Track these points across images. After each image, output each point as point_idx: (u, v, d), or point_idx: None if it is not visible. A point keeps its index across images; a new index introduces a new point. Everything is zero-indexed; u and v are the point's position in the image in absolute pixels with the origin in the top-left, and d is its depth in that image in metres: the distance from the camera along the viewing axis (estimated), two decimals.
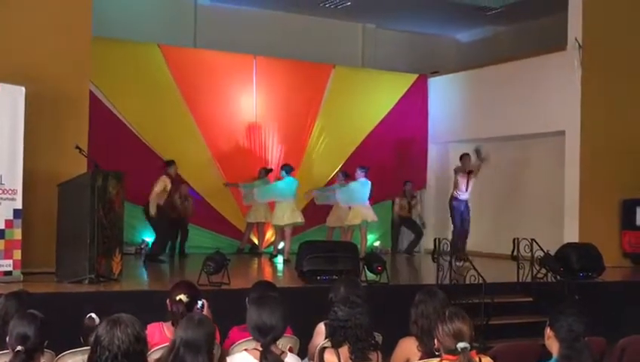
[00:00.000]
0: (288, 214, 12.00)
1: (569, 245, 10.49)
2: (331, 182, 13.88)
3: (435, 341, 3.85)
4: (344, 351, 3.98)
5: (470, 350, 3.72)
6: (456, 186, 12.13)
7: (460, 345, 3.69)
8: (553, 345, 3.91)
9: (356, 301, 4.23)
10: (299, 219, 12.11)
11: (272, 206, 12.55)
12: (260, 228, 13.26)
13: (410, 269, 12.67)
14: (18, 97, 8.21)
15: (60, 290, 7.59)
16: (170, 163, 11.50)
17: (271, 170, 12.97)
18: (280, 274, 10.84)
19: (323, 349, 4.04)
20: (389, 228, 14.85)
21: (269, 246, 13.22)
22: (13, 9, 9.04)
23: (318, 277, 8.50)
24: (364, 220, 12.35)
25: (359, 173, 12.35)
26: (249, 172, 13.16)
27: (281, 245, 12.42)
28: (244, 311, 4.35)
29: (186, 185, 12.41)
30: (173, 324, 4.67)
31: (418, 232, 14.14)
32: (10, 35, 8.94)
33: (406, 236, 14.72)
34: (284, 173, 12.12)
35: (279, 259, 12.04)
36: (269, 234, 13.34)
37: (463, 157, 12.19)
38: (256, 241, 13.39)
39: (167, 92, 12.89)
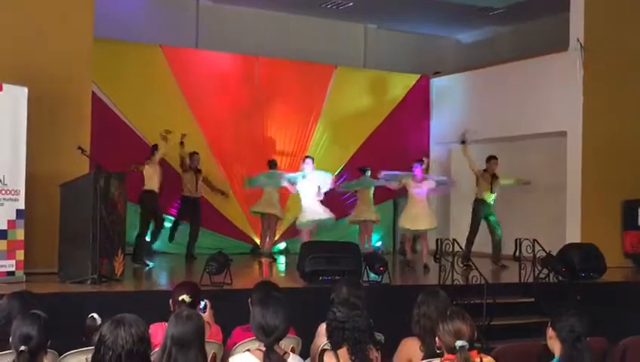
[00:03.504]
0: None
1: (571, 246, 10.48)
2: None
3: (437, 339, 3.87)
4: (343, 352, 3.96)
5: (470, 349, 3.73)
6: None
7: (458, 343, 3.71)
8: (555, 346, 3.93)
9: (355, 302, 4.23)
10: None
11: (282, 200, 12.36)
12: (264, 224, 12.45)
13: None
14: (21, 98, 8.20)
15: (63, 290, 7.58)
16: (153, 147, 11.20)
17: (275, 161, 12.65)
18: (282, 274, 10.84)
19: (322, 351, 4.03)
20: (390, 228, 14.78)
21: (274, 245, 12.82)
22: (15, 10, 9.04)
23: (320, 278, 8.49)
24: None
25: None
26: (251, 172, 13.11)
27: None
28: (247, 311, 4.36)
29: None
30: None
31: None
32: (13, 35, 8.94)
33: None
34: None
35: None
36: (277, 235, 12.95)
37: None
38: (257, 241, 13.29)
39: (169, 93, 12.91)
